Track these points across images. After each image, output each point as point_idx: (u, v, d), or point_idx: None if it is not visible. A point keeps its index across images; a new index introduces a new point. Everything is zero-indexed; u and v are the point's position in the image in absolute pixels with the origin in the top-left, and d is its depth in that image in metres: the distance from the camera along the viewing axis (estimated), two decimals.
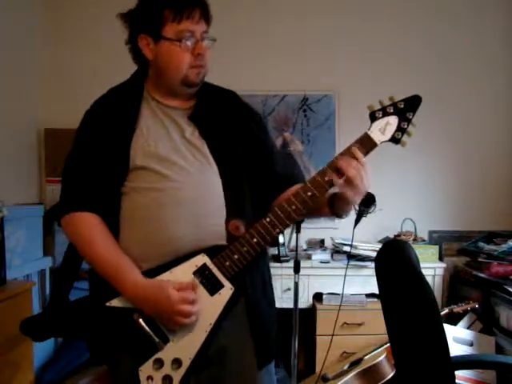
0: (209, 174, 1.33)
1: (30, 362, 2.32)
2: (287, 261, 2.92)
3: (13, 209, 2.44)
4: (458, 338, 2.62)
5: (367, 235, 3.09)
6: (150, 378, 1.26)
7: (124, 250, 1.31)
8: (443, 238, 3.27)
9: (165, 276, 1.28)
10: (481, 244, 3.05)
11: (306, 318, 3.07)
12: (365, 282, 2.86)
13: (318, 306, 2.88)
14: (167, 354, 1.27)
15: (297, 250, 2.40)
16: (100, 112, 1.38)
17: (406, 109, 1.26)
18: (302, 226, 2.38)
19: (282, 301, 2.89)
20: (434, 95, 3.21)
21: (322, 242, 3.26)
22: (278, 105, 3.31)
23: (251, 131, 1.43)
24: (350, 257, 2.80)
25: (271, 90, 3.30)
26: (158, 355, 1.27)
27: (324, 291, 2.93)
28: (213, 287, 1.28)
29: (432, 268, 2.94)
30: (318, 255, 3.05)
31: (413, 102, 1.26)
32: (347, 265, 2.54)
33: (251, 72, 3.30)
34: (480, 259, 2.90)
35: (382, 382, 2.39)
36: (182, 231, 1.29)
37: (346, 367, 2.58)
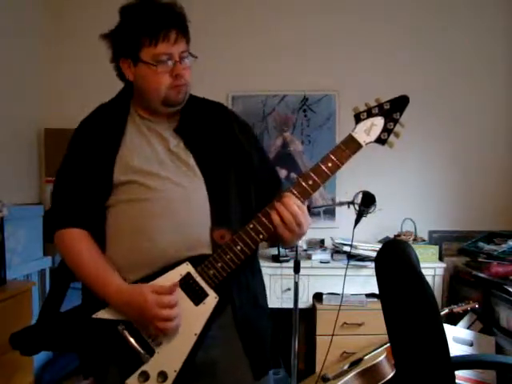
0: (194, 183, 1.33)
1: (29, 362, 2.32)
2: (287, 261, 2.91)
3: (13, 209, 2.44)
4: (458, 338, 2.62)
5: (367, 235, 3.09)
6: None
7: (110, 262, 1.31)
8: (443, 237, 3.27)
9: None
10: (481, 244, 3.05)
11: (306, 317, 3.07)
12: (365, 282, 2.86)
13: (318, 305, 2.88)
14: (153, 366, 1.25)
15: (297, 250, 2.40)
16: (88, 129, 1.42)
17: (393, 109, 1.26)
18: None
19: (282, 301, 2.90)
20: (434, 95, 3.22)
21: (322, 241, 3.26)
22: (278, 105, 3.31)
23: (237, 141, 1.42)
24: (350, 257, 2.80)
25: (271, 90, 3.30)
26: (143, 368, 1.26)
27: (324, 291, 2.93)
28: (197, 296, 1.26)
29: (432, 268, 2.94)
30: (318, 255, 3.05)
31: (399, 103, 1.26)
32: (347, 265, 2.54)
33: (251, 72, 3.30)
34: (480, 259, 2.90)
35: (382, 382, 2.39)
36: (167, 241, 1.28)
37: (345, 367, 2.58)
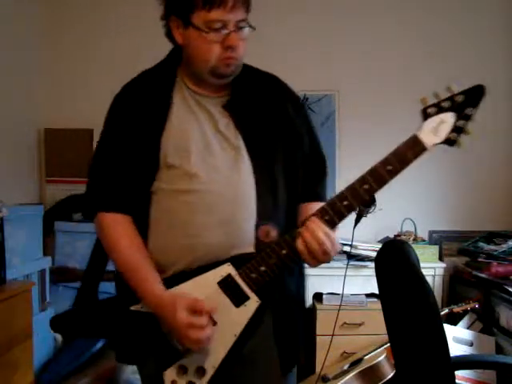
0: (240, 172, 1.24)
1: (29, 362, 2.31)
2: None
3: (13, 209, 2.44)
4: (458, 338, 2.62)
5: (367, 235, 3.08)
6: (174, 382, 1.23)
7: (150, 254, 1.26)
8: (443, 237, 3.27)
9: (187, 285, 1.22)
10: (481, 244, 3.05)
11: (306, 317, 3.07)
12: (365, 281, 2.86)
13: (318, 305, 2.88)
14: (191, 361, 1.22)
15: None
16: (130, 99, 1.29)
17: (466, 103, 1.07)
18: None
19: None
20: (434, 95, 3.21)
21: None
22: None
23: (290, 124, 1.31)
24: (350, 257, 2.80)
25: None
26: (181, 362, 1.23)
27: (324, 291, 2.93)
28: (238, 299, 1.20)
29: (432, 268, 2.94)
30: None
31: (475, 94, 1.07)
32: (347, 265, 2.53)
33: None
34: (480, 259, 2.90)
35: (382, 382, 2.39)
36: (210, 238, 1.22)
37: (345, 367, 2.57)
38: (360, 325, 2.82)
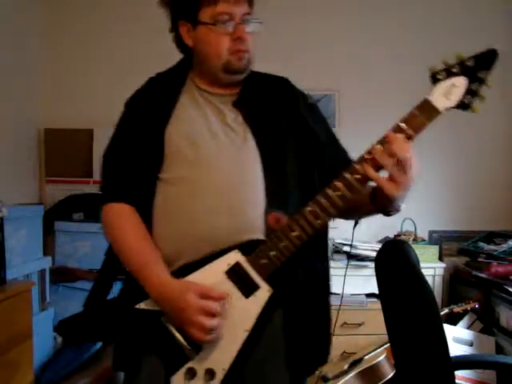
0: (249, 159, 1.22)
1: (29, 362, 2.31)
2: None
3: (13, 209, 2.44)
4: (458, 338, 2.62)
5: (367, 235, 3.08)
6: None
7: (157, 245, 1.22)
8: (443, 237, 3.27)
9: (195, 276, 1.16)
10: (481, 244, 3.05)
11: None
12: (365, 281, 2.86)
13: None
14: (200, 363, 1.14)
15: None
16: (139, 100, 1.33)
17: (478, 67, 1.07)
18: None
19: None
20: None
21: None
22: None
23: (301, 118, 1.30)
24: (350, 257, 2.80)
25: None
26: (190, 364, 1.15)
27: None
28: (247, 289, 1.13)
29: (432, 268, 2.94)
30: None
31: (486, 58, 1.08)
32: (347, 265, 2.54)
33: None
34: (480, 259, 2.90)
35: (382, 382, 2.39)
36: (217, 225, 1.17)
37: (345, 367, 2.57)
38: (360, 325, 2.82)
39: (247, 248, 1.15)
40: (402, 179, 1.10)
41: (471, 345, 2.61)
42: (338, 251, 3.02)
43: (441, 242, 3.23)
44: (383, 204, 1.19)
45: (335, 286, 2.77)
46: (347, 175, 1.09)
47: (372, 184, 1.14)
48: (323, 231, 1.27)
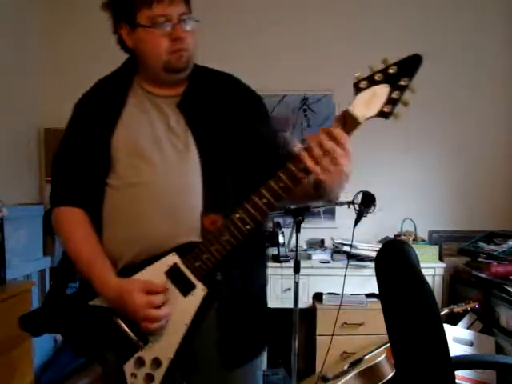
0: (188, 164, 1.27)
1: (29, 362, 2.32)
2: (287, 261, 2.91)
3: (13, 209, 2.44)
4: (458, 338, 2.62)
5: (367, 235, 3.08)
6: (133, 375, 1.26)
7: (104, 248, 1.30)
8: (443, 237, 3.27)
9: (138, 276, 1.26)
10: (481, 244, 3.05)
11: (306, 317, 3.07)
12: (365, 281, 2.86)
13: (318, 305, 2.88)
14: (147, 353, 1.26)
15: (297, 250, 2.40)
16: (86, 104, 1.38)
17: (400, 73, 1.05)
18: (302, 225, 2.38)
19: (282, 301, 2.90)
20: (434, 95, 3.21)
21: (322, 241, 3.26)
22: (278, 105, 3.31)
23: (247, 122, 1.33)
24: (350, 257, 2.80)
25: (271, 90, 3.30)
26: (138, 354, 1.26)
27: (324, 291, 2.93)
28: (185, 288, 1.23)
29: (432, 268, 2.94)
30: (318, 255, 3.05)
31: (410, 64, 1.04)
32: (347, 265, 2.54)
33: (251, 72, 3.27)
34: (480, 259, 2.90)
35: (382, 382, 2.39)
36: (156, 227, 1.25)
37: (345, 367, 2.57)
38: (360, 325, 2.82)
39: (184, 250, 1.23)
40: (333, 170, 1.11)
41: (471, 345, 2.61)
42: (337, 251, 3.02)
43: (441, 242, 3.23)
44: (326, 194, 1.23)
45: (335, 286, 2.81)
46: (290, 166, 1.12)
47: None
48: (260, 235, 1.35)
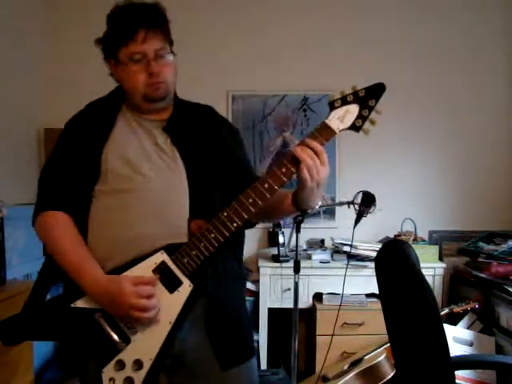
0: (175, 175, 1.36)
1: (29, 362, 2.32)
2: (287, 261, 2.92)
3: (13, 209, 2.44)
4: (458, 338, 2.62)
5: (367, 235, 3.09)
6: (112, 379, 1.25)
7: (90, 250, 1.34)
8: (443, 237, 3.27)
9: (127, 274, 1.29)
10: (481, 244, 3.05)
11: (306, 318, 3.07)
12: (365, 281, 2.86)
13: (318, 305, 2.88)
14: (128, 354, 1.26)
15: (297, 250, 2.40)
16: (77, 123, 1.45)
17: (368, 96, 1.26)
18: (302, 225, 2.38)
19: (282, 301, 2.90)
20: (434, 96, 3.21)
21: (322, 242, 3.26)
22: (278, 105, 3.31)
23: (226, 144, 1.46)
24: (350, 257, 2.80)
25: (271, 90, 3.30)
26: (119, 356, 1.26)
27: (324, 291, 2.93)
28: (171, 284, 1.27)
29: (432, 268, 2.94)
30: (318, 255, 3.05)
31: (375, 90, 1.27)
32: (347, 265, 2.54)
33: (251, 72, 3.30)
34: (480, 259, 2.90)
35: (382, 382, 2.39)
36: (145, 229, 1.30)
37: (345, 367, 2.57)
38: (360, 325, 2.82)
39: (172, 249, 1.28)
40: (316, 176, 1.24)
41: (471, 345, 2.61)
42: (338, 251, 3.02)
43: (441, 242, 3.23)
44: (305, 200, 1.31)
45: (335, 285, 2.81)
46: (275, 169, 1.26)
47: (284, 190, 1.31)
48: (240, 236, 1.43)
